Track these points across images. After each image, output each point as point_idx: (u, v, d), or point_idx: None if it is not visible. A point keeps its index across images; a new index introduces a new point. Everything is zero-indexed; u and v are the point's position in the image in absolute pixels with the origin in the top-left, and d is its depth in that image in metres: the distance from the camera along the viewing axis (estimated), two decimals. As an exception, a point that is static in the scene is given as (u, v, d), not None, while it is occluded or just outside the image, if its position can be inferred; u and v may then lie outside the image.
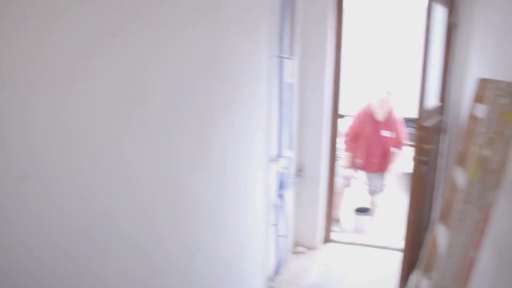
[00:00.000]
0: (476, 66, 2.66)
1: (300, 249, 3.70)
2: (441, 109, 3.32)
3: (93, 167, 1.20)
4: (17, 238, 0.99)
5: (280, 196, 2.98)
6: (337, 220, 4.42)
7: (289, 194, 3.35)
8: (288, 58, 2.85)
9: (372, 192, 4.49)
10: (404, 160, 5.69)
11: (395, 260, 3.34)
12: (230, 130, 2.15)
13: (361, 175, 4.56)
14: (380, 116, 4.25)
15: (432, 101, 3.04)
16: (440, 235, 1.91)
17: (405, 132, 4.40)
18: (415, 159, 2.62)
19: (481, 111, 1.69)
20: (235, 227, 2.38)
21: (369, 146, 4.29)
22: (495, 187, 1.50)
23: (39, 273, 1.06)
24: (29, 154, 0.99)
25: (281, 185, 3.03)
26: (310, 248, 3.73)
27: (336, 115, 3.64)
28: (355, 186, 4.74)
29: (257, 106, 2.51)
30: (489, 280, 1.82)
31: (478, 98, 1.86)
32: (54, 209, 1.08)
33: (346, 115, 4.72)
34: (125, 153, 1.33)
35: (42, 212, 1.05)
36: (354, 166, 4.40)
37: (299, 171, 3.57)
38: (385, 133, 4.25)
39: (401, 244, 2.88)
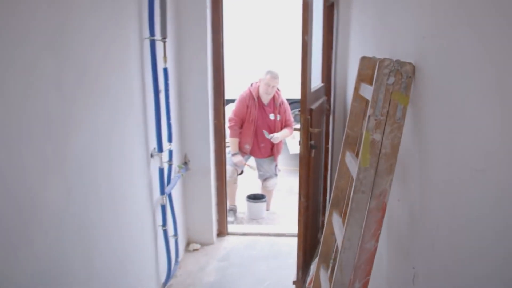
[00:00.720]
0: (358, 44, 2.63)
1: (195, 246, 3.47)
2: (325, 90, 3.28)
3: None
4: None
5: (166, 193, 2.69)
6: (234, 210, 4.26)
7: (176, 190, 3.07)
8: (161, 41, 2.53)
9: (264, 178, 4.39)
10: (293, 140, 5.75)
11: (293, 248, 3.29)
12: (97, 126, 1.81)
13: (252, 160, 4.44)
14: (265, 98, 4.13)
15: (316, 81, 2.98)
16: (336, 225, 1.81)
17: (290, 113, 4.36)
18: (302, 143, 2.52)
19: (368, 91, 1.59)
20: (116, 235, 2.05)
21: (256, 130, 4.16)
22: (389, 172, 1.40)
23: None
24: None
25: (167, 181, 2.74)
26: (205, 244, 3.52)
27: (221, 100, 3.42)
28: (247, 173, 4.62)
29: (129, 96, 2.18)
30: (386, 267, 1.76)
31: (363, 77, 1.77)
32: None
33: (231, 100, 4.53)
34: None
35: None
36: (243, 152, 4.25)
37: (185, 163, 3.31)
38: (272, 116, 4.16)
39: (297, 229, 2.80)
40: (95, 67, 1.79)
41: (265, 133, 4.10)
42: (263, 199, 4.29)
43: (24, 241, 1.33)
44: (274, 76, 4.05)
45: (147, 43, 2.37)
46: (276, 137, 4.11)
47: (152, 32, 2.36)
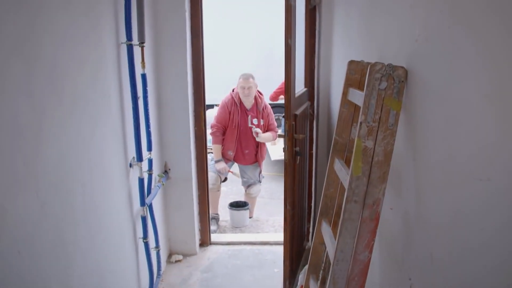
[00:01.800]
0: (342, 48, 2.58)
1: (177, 257, 3.36)
2: (308, 94, 3.23)
3: None
4: None
5: (146, 204, 2.58)
6: (216, 219, 4.16)
7: (156, 200, 2.96)
8: (139, 45, 2.43)
9: (248, 184, 4.31)
10: (276, 146, 5.69)
11: (278, 256, 3.22)
12: (71, 135, 1.70)
13: (235, 167, 4.35)
14: (246, 103, 4.06)
15: (299, 86, 2.92)
16: (325, 235, 1.74)
17: (274, 118, 4.30)
18: (287, 150, 2.46)
19: (357, 97, 1.53)
20: (93, 252, 1.94)
21: (240, 136, 4.08)
22: (382, 181, 1.34)
23: None
24: None
25: (147, 192, 2.63)
26: (187, 254, 3.42)
27: (202, 106, 3.33)
28: (230, 180, 4.53)
29: (106, 103, 2.08)
30: (380, 279, 1.71)
31: (351, 82, 1.71)
32: None
33: (214, 105, 4.45)
34: None
35: None
36: (226, 158, 4.16)
37: (166, 172, 3.20)
38: (255, 120, 4.08)
39: (282, 238, 2.73)
40: (68, 73, 1.68)
41: (253, 127, 4.02)
42: (246, 207, 4.20)
43: None
44: (246, 77, 3.98)
45: (124, 48, 2.27)
46: (260, 135, 4.03)
47: (129, 37, 2.26)
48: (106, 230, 2.10)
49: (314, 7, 3.07)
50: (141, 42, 2.43)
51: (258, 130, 4.01)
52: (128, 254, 2.44)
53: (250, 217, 4.31)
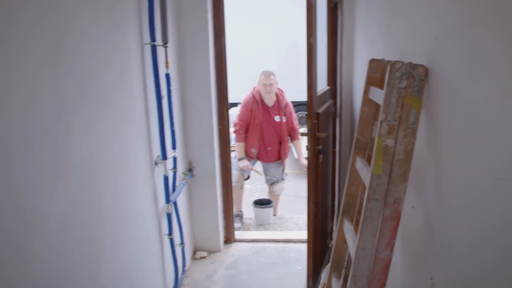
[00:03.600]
0: (363, 46, 2.57)
1: (202, 254, 3.42)
2: (331, 93, 3.22)
3: None
4: None
5: (171, 201, 2.64)
6: (240, 216, 4.20)
7: (181, 197, 3.02)
8: (163, 46, 2.48)
9: (271, 182, 4.33)
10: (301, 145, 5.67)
11: (302, 254, 3.23)
12: (98, 135, 1.76)
13: (258, 165, 4.38)
14: (268, 100, 4.08)
15: (322, 84, 2.92)
16: (347, 233, 1.75)
17: (296, 116, 4.30)
18: (310, 148, 2.46)
19: (378, 95, 1.53)
20: (120, 246, 2.00)
21: (262, 134, 4.10)
22: (403, 179, 1.34)
23: None
24: None
25: (172, 189, 2.69)
26: (212, 251, 3.47)
27: (225, 105, 3.37)
28: (254, 178, 4.56)
29: (131, 103, 2.13)
30: (401, 277, 1.70)
31: (372, 81, 1.71)
32: None
33: (236, 104, 4.49)
34: None
35: None
36: (249, 156, 4.19)
37: (190, 170, 3.25)
38: (277, 118, 4.10)
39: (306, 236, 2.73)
40: (95, 76, 1.74)
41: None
42: (270, 204, 4.22)
43: (28, 255, 1.29)
44: (267, 74, 3.99)
45: (147, 49, 2.32)
46: (302, 163, 4.18)
47: (153, 38, 2.31)
48: (132, 226, 2.16)
49: (336, 5, 3.06)
50: (165, 43, 2.48)
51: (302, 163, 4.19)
52: (154, 250, 2.50)
53: (274, 215, 4.33)
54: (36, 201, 1.33)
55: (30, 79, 1.29)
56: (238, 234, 3.73)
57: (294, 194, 5.21)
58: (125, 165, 2.07)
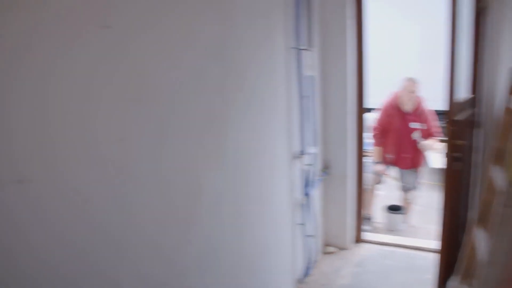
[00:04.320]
0: (509, 55, 2.48)
1: (331, 249, 3.58)
2: (473, 102, 3.13)
3: (102, 168, 1.17)
4: (22, 238, 0.96)
5: (306, 194, 2.88)
6: (369, 219, 4.27)
7: (316, 192, 3.24)
8: (307, 50, 2.74)
9: (405, 189, 4.29)
10: (436, 154, 5.46)
11: (430, 263, 3.18)
12: (248, 126, 2.08)
13: (393, 171, 4.38)
14: (407, 107, 4.07)
15: (463, 93, 2.87)
16: (480, 240, 1.75)
17: (436, 123, 4.19)
18: (447, 155, 2.46)
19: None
20: (259, 227, 2.30)
21: (399, 139, 4.10)
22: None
23: (44, 274, 1.02)
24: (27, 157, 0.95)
25: (307, 183, 2.93)
26: (341, 248, 3.60)
27: (361, 109, 3.51)
28: (386, 183, 4.57)
29: (276, 101, 2.43)
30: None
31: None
32: (59, 209, 1.04)
33: (373, 109, 4.56)
34: (131, 153, 1.28)
35: (48, 212, 1.01)
36: (385, 161, 4.23)
37: (326, 168, 3.46)
38: (414, 125, 4.07)
39: (436, 245, 2.72)
40: (250, 74, 2.05)
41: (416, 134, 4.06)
42: (402, 211, 4.20)
43: (194, 220, 1.63)
44: (412, 81, 3.98)
45: (292, 53, 2.56)
46: (422, 143, 4.04)
47: (298, 42, 2.57)
48: (270, 212, 2.43)
49: (481, 12, 2.97)
50: (309, 47, 2.73)
51: (418, 136, 4.01)
52: (286, 236, 2.73)
53: (405, 222, 4.29)
54: (200, 177, 1.66)
55: (200, 73, 1.62)
56: (367, 235, 3.81)
57: (427, 204, 5.02)
58: (269, 155, 2.36)
